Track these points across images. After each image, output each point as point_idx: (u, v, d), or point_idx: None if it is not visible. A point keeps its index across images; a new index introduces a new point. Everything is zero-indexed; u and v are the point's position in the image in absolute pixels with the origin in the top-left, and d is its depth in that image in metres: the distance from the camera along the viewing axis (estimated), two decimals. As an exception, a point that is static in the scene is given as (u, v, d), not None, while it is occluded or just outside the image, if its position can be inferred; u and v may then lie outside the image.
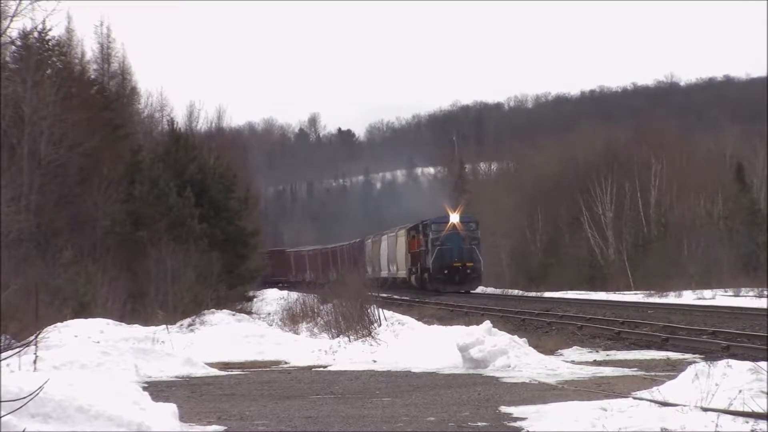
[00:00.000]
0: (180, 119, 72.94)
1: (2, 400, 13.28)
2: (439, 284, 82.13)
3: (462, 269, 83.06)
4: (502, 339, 31.95)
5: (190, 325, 40.80)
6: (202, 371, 31.25)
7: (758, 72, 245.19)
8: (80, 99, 53.34)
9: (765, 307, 52.84)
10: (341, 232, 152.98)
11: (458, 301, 68.32)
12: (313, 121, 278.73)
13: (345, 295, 43.65)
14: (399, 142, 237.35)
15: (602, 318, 47.02)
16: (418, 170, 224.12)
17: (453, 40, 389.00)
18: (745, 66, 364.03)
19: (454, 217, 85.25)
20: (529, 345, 32.44)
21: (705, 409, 18.03)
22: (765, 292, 68.83)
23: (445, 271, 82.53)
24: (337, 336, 39.07)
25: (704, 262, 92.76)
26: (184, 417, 19.66)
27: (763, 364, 21.48)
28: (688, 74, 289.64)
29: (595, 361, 32.77)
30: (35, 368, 21.25)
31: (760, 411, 17.56)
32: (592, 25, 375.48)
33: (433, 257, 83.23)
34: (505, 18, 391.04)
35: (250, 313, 49.74)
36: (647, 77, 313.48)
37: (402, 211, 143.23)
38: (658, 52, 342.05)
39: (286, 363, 34.34)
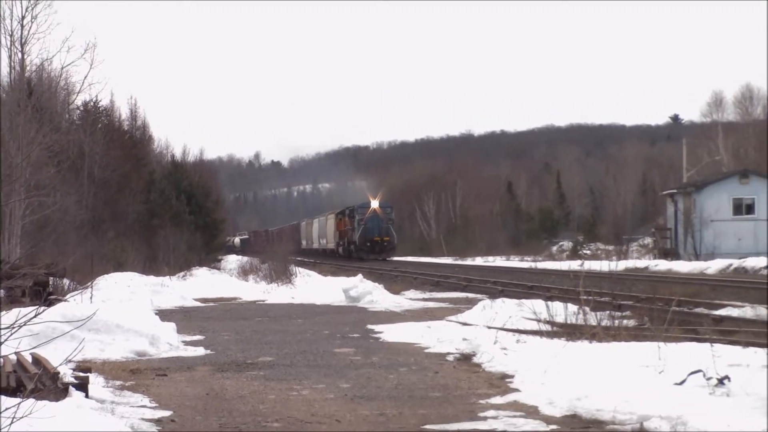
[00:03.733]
0: (178, 154, 72.30)
1: (72, 321, 13.33)
2: (364, 253, 74.35)
3: (381, 242, 75.90)
4: (369, 285, 32.10)
5: (183, 276, 40.55)
6: (190, 304, 31.13)
7: (522, 127, 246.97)
8: (118, 142, 53.04)
9: (523, 267, 53.24)
10: (275, 220, 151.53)
11: (344, 263, 67.38)
12: (256, 155, 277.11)
13: (276, 259, 43.79)
14: (308, 169, 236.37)
15: (428, 273, 47.07)
16: (321, 185, 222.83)
17: (339, 98, 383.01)
18: (513, 123, 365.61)
19: (375, 203, 77.73)
20: (385, 289, 32.56)
21: (489, 327, 18.23)
22: (526, 258, 69.57)
23: (368, 244, 75.19)
24: (271, 282, 38.87)
25: (488, 240, 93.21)
26: (179, 331, 19.67)
27: (524, 300, 21.91)
28: (479, 128, 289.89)
29: (423, 298, 32.75)
30: (91, 301, 21.20)
31: (522, 329, 17.93)
32: (421, 91, 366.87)
33: (359, 233, 75.80)
34: (366, 83, 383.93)
35: (219, 269, 49.52)
36: (454, 129, 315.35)
37: (311, 209, 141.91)
38: (460, 112, 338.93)
39: (240, 299, 34.11)
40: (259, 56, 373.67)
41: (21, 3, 38.45)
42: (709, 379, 11.31)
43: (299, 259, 60.48)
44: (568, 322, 17.44)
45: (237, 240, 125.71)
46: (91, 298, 22.54)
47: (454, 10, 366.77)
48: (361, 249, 74.31)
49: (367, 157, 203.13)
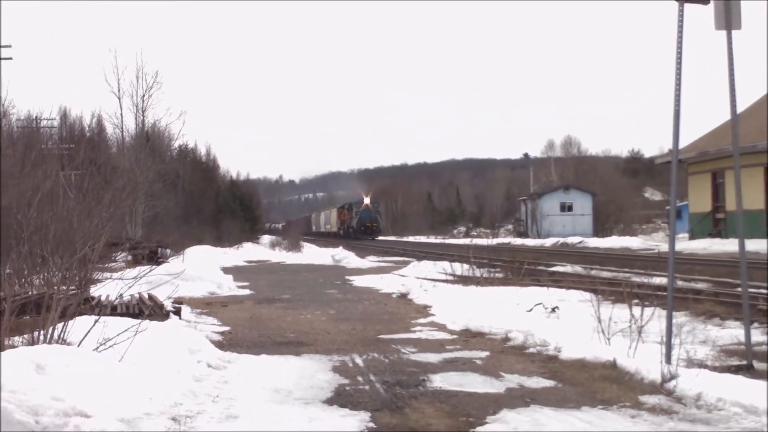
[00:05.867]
0: (234, 175, 71.10)
1: (172, 274, 13.14)
2: (359, 235, 66.78)
3: (371, 227, 68.15)
4: (346, 252, 31.89)
5: (237, 247, 40.12)
6: (241, 264, 30.63)
7: (437, 159, 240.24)
8: (199, 169, 52.31)
9: (436, 242, 53.03)
10: (291, 215, 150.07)
11: (335, 240, 65.97)
12: (280, 177, 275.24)
13: (291, 237, 43.47)
14: (311, 184, 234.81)
15: (381, 246, 46.84)
16: (318, 194, 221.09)
17: (324, 137, 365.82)
18: (431, 156, 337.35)
19: (367, 200, 70.28)
20: (356, 255, 32.38)
21: (417, 278, 18.16)
22: (438, 237, 69.36)
23: (362, 228, 67.53)
24: (289, 251, 38.62)
25: (416, 226, 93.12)
26: (235, 279, 19.40)
27: (437, 261, 21.87)
28: (411, 160, 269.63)
29: (378, 260, 32.18)
30: (183, 262, 20.94)
31: (436, 278, 17.90)
32: (376, 133, 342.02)
33: (356, 221, 68.59)
34: (343, 122, 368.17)
35: (258, 243, 48.94)
36: (396, 161, 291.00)
37: (313, 208, 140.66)
38: (398, 149, 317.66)
39: (270, 260, 33.69)
40: (282, 108, 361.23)
41: (142, 86, 39.03)
42: (546, 308, 11.43)
43: (307, 238, 59.94)
44: (464, 274, 17.50)
45: (279, 225, 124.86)
46: (183, 260, 22.26)
47: (397, 62, 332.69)
48: (358, 231, 68.48)
49: (345, 178, 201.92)
